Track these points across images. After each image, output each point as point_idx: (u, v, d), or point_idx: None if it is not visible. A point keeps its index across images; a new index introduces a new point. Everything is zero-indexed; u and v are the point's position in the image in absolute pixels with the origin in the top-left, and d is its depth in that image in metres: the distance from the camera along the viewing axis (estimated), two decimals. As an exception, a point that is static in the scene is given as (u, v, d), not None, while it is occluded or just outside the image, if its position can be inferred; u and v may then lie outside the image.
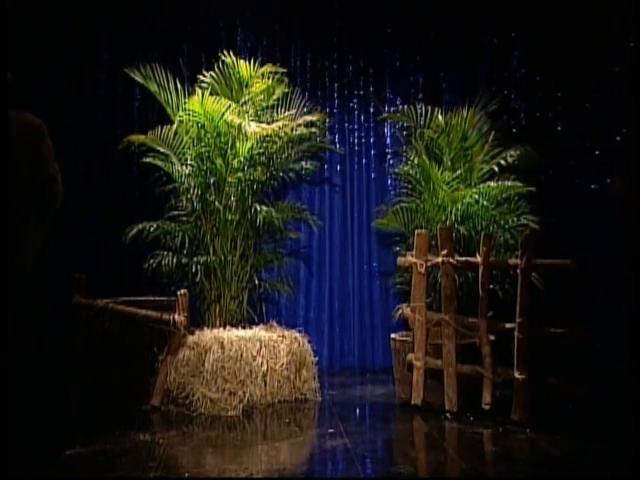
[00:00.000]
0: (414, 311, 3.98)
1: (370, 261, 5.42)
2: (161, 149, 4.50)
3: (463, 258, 3.97)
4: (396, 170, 5.23)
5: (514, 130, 5.06)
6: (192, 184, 4.45)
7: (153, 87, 4.48)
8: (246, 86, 4.43)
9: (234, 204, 4.45)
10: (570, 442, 3.30)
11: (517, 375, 3.65)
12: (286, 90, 4.75)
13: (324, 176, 5.44)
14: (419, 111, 4.89)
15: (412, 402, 3.95)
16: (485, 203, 4.37)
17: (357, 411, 4.09)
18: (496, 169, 4.57)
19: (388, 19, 5.44)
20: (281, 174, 4.97)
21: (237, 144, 4.36)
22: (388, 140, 5.49)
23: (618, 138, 4.69)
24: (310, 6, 5.39)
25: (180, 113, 4.37)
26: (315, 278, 5.38)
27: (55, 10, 4.86)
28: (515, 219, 4.43)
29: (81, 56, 5.00)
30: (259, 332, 4.22)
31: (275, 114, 4.76)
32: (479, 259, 3.84)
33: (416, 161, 4.78)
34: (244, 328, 4.35)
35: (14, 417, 3.52)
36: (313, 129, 4.88)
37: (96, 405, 3.93)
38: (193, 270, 4.40)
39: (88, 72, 5.03)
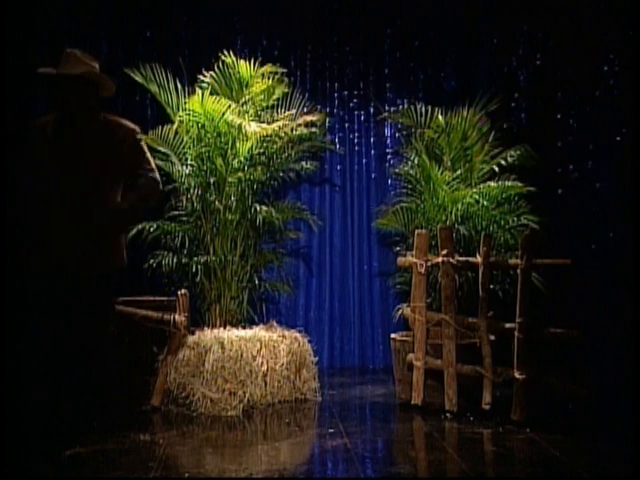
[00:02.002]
0: (414, 311, 3.98)
1: (370, 261, 5.42)
2: (161, 149, 4.50)
3: (463, 258, 3.97)
4: (396, 170, 5.23)
5: (514, 130, 5.06)
6: (192, 184, 4.45)
7: (153, 87, 4.47)
8: (246, 86, 4.42)
9: (234, 203, 4.45)
10: (570, 442, 3.30)
11: (517, 375, 3.65)
12: (286, 90, 4.74)
13: (324, 176, 5.44)
14: (419, 111, 4.89)
15: (412, 402, 3.95)
16: (485, 203, 4.36)
17: (357, 411, 4.09)
18: (496, 169, 4.57)
19: (388, 19, 5.44)
20: (281, 174, 4.96)
21: (237, 144, 4.36)
22: (388, 140, 5.48)
23: (618, 138, 4.70)
24: (310, 6, 5.39)
25: (180, 113, 4.36)
26: (315, 278, 5.38)
27: (55, 10, 4.86)
28: (515, 219, 4.43)
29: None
30: (259, 332, 4.22)
31: (275, 114, 4.75)
32: (479, 259, 3.84)
33: (416, 161, 4.78)
34: (244, 328, 4.35)
35: (14, 417, 3.52)
36: (313, 129, 4.87)
37: (96, 405, 3.93)
38: (193, 270, 4.40)
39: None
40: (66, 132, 3.28)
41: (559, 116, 4.96)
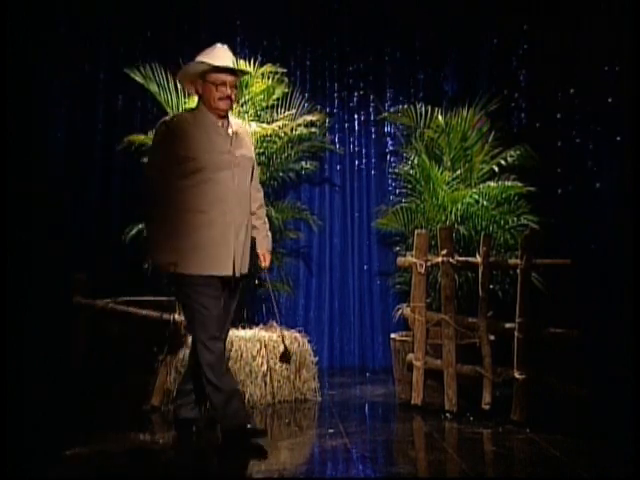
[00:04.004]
0: (414, 311, 3.98)
1: (370, 261, 5.42)
2: (161, 149, 4.49)
3: (463, 258, 3.97)
4: (396, 170, 5.23)
5: (514, 130, 5.06)
6: (192, 184, 4.44)
7: (153, 87, 4.47)
8: (246, 86, 4.43)
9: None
10: (570, 442, 3.30)
11: (517, 375, 3.65)
12: (286, 90, 4.74)
13: (324, 176, 5.44)
14: (419, 111, 4.88)
15: (412, 402, 3.95)
16: (485, 203, 4.36)
17: (357, 411, 4.09)
18: (496, 169, 4.57)
19: (388, 19, 5.43)
20: (281, 174, 4.96)
21: (237, 144, 4.35)
22: (388, 140, 5.49)
23: (618, 138, 4.70)
24: (310, 6, 5.39)
25: (180, 113, 4.36)
26: (315, 278, 5.38)
27: (54, 10, 4.86)
28: (515, 219, 4.43)
29: (81, 56, 5.00)
30: (259, 332, 4.23)
31: (275, 114, 4.75)
32: (479, 259, 3.84)
33: (416, 161, 4.78)
34: (244, 328, 4.34)
35: (14, 417, 3.53)
36: (313, 129, 4.87)
37: (96, 405, 3.94)
38: (193, 270, 4.39)
39: (88, 72, 5.04)
40: (216, 129, 3.20)
41: (559, 116, 4.95)
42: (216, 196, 3.10)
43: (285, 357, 3.88)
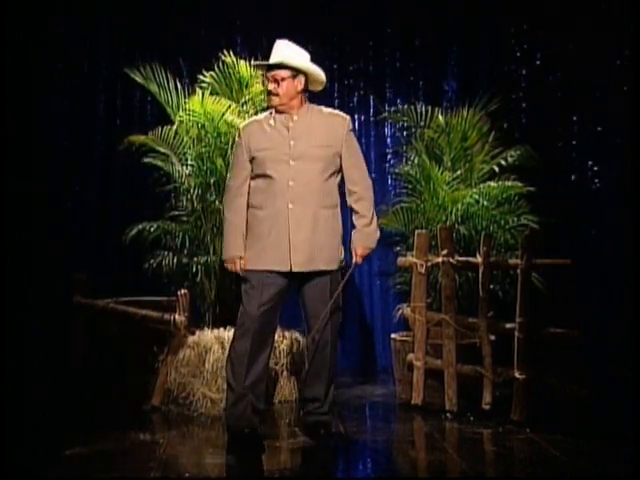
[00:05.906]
0: (414, 311, 3.98)
1: (370, 261, 5.41)
2: (161, 149, 4.49)
3: (463, 258, 3.97)
4: (396, 170, 5.22)
5: (514, 130, 5.06)
6: (192, 184, 4.44)
7: (153, 87, 4.47)
8: (246, 86, 4.42)
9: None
10: (570, 442, 3.30)
11: (517, 375, 3.65)
12: (286, 90, 4.73)
13: (324, 176, 5.42)
14: (419, 111, 4.88)
15: (412, 402, 3.95)
16: (485, 203, 4.36)
17: (357, 411, 4.09)
18: (496, 169, 4.57)
19: (388, 19, 5.43)
20: (282, 174, 4.95)
21: (237, 144, 4.35)
22: (388, 140, 5.48)
23: (618, 138, 4.70)
24: (310, 5, 5.38)
25: (180, 113, 4.36)
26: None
27: (54, 10, 4.86)
28: (515, 219, 4.43)
29: (81, 56, 5.01)
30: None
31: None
32: (479, 259, 3.84)
33: (416, 161, 4.77)
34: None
35: (14, 417, 3.53)
36: (313, 129, 4.86)
37: (96, 405, 3.94)
38: (193, 270, 4.40)
39: (88, 72, 5.04)
40: (275, 125, 3.20)
41: (559, 116, 4.95)
42: (271, 191, 3.12)
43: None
